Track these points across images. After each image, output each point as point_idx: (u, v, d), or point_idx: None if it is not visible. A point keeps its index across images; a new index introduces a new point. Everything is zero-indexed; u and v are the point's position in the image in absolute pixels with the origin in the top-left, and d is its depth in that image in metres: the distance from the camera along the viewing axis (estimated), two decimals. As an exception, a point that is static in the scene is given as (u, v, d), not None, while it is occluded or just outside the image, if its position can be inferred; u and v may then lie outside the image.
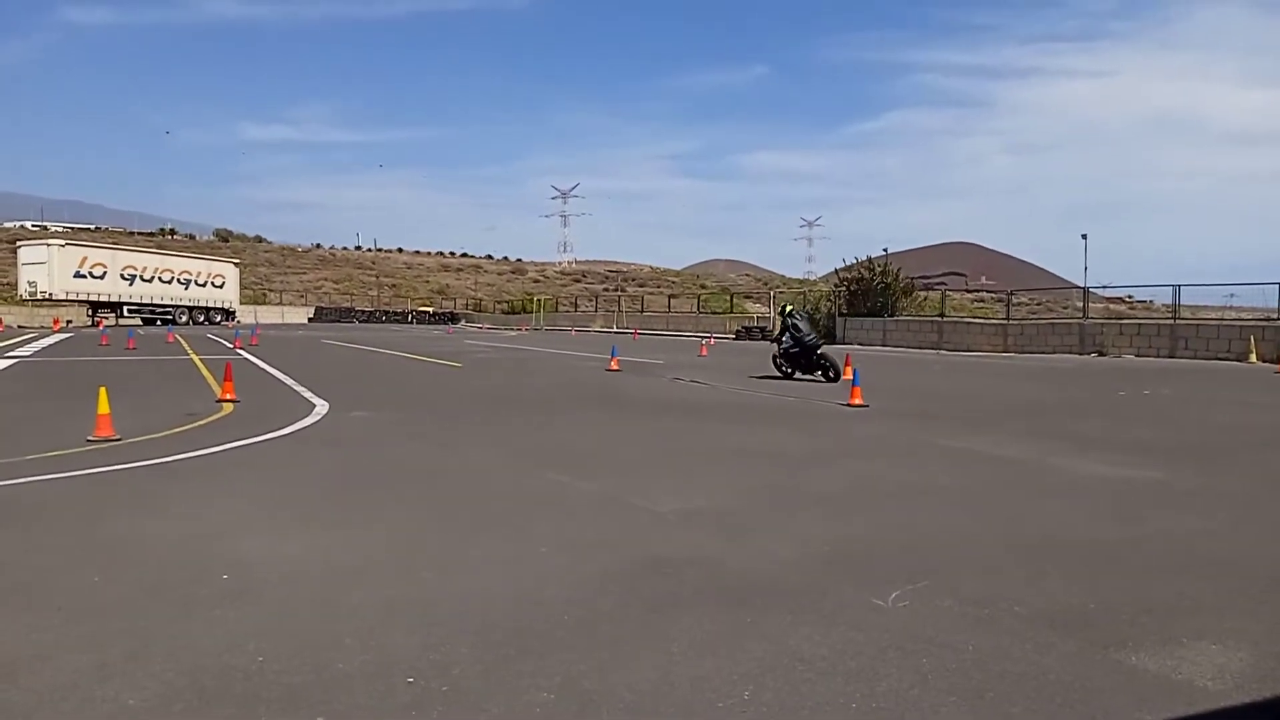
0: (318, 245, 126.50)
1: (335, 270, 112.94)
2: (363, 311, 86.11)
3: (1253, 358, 26.08)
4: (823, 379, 17.39)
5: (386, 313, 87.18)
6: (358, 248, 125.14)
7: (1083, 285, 37.29)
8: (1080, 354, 30.38)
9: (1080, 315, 34.31)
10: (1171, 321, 30.11)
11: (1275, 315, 27.63)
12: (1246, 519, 6.50)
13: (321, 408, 12.45)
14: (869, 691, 3.39)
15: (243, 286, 71.62)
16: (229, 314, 64.24)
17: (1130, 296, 66.06)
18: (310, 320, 79.95)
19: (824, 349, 18.11)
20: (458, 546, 5.49)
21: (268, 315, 76.62)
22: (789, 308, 19.13)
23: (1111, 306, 55.72)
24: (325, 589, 4.58)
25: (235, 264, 69.53)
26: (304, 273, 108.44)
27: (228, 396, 12.90)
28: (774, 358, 18.57)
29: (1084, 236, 40.45)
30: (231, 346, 29.49)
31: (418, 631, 3.96)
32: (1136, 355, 29.32)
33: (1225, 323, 30.10)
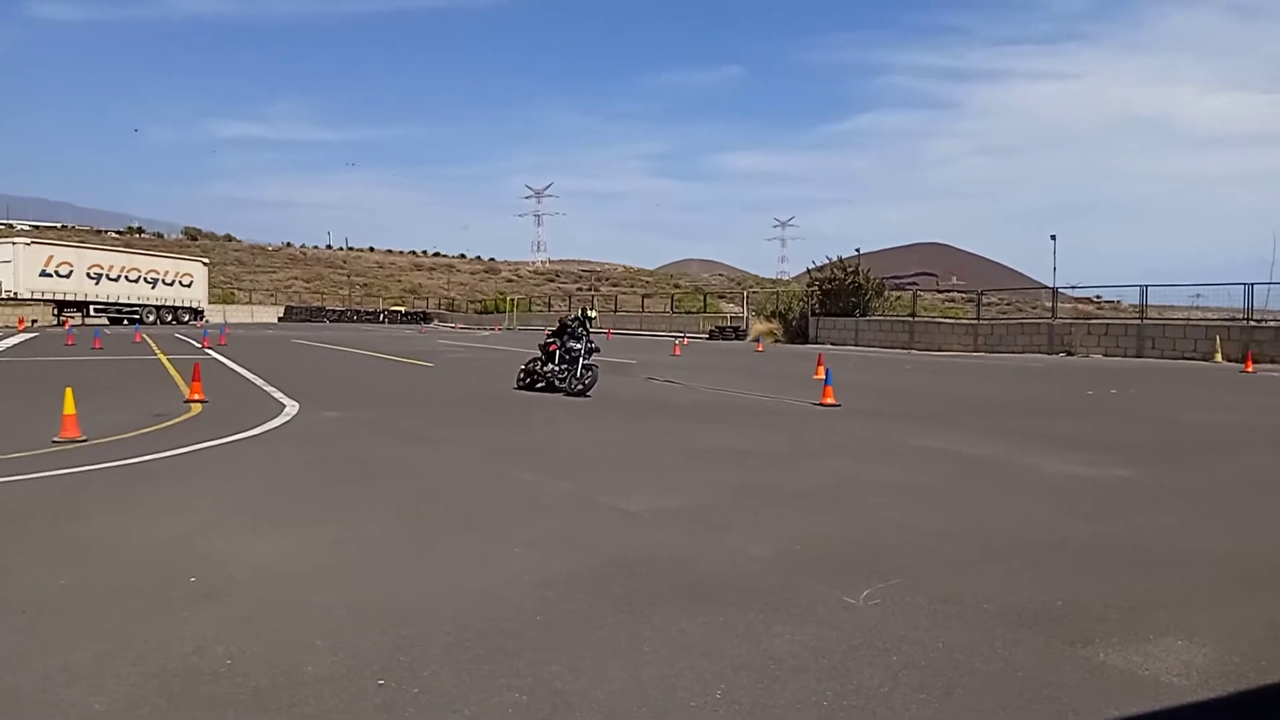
0: (288, 244, 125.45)
1: (306, 269, 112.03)
2: (334, 311, 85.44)
3: (1218, 357, 26.45)
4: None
5: (358, 312, 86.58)
6: (329, 246, 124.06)
7: (1052, 286, 37.74)
8: (1049, 354, 30.68)
9: (1049, 315, 34.66)
10: (1139, 321, 30.47)
11: (1240, 315, 28.03)
12: (1212, 517, 6.60)
13: (291, 408, 12.35)
14: (840, 689, 3.41)
15: (211, 285, 70.87)
16: (197, 313, 63.51)
17: (1098, 297, 66.72)
18: (280, 320, 79.22)
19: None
20: (429, 547, 5.46)
21: (237, 314, 75.84)
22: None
23: (1080, 307, 56.27)
24: (295, 590, 4.55)
25: (204, 263, 68.77)
26: (274, 272, 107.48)
27: (196, 397, 12.77)
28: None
29: (1053, 237, 40.98)
30: (200, 346, 29.18)
31: (388, 633, 3.94)
32: (1104, 355, 29.65)
33: (1191, 323, 30.47)
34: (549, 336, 15.57)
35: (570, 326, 15.23)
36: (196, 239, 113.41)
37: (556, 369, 14.97)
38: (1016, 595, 4.57)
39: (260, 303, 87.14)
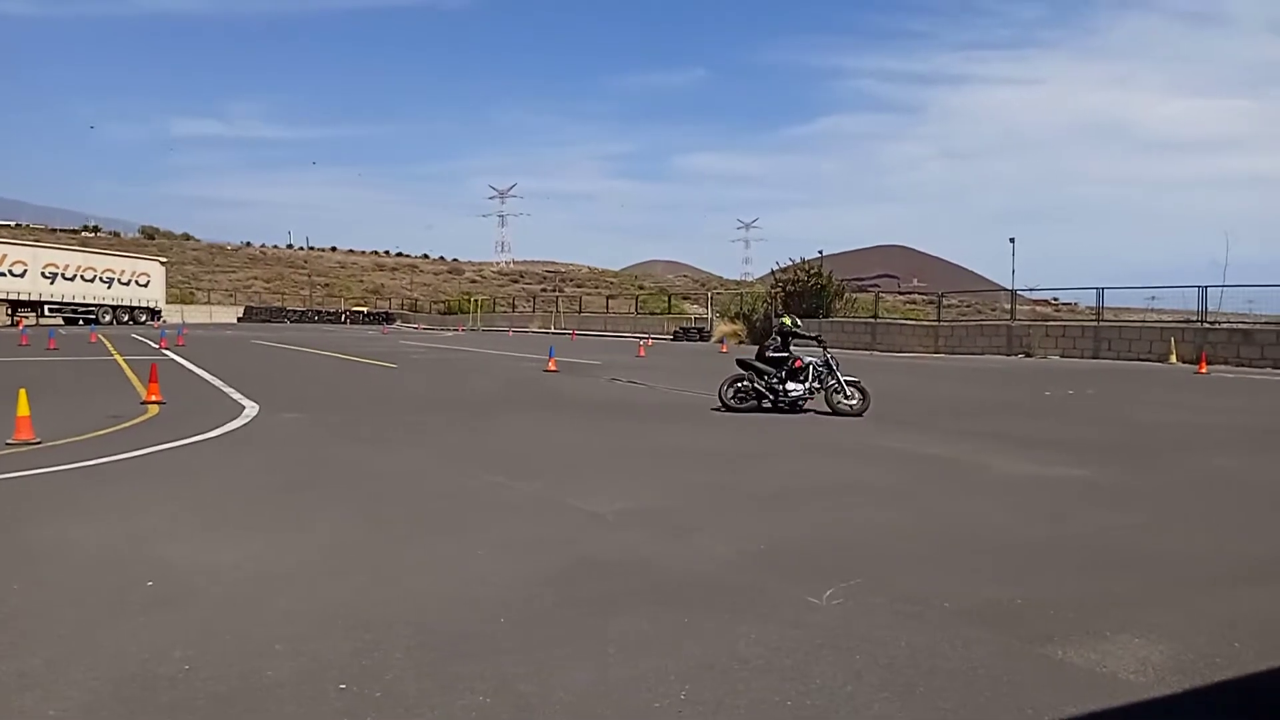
0: (248, 243, 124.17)
1: (266, 269, 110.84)
2: (294, 311, 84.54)
3: (1173, 358, 26.92)
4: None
5: (319, 313, 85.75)
6: (289, 246, 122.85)
7: (1011, 288, 38.11)
8: (1008, 355, 31.08)
9: (1008, 317, 35.10)
10: (1095, 323, 30.92)
11: (1195, 317, 28.53)
12: (1168, 516, 6.71)
13: (251, 409, 12.20)
14: (804, 689, 3.43)
15: (169, 285, 69.79)
16: (154, 313, 62.54)
17: (1056, 299, 67.75)
18: (239, 320, 78.29)
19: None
20: (392, 549, 5.42)
21: (195, 315, 74.89)
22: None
23: (1038, 309, 57.10)
24: (254, 594, 4.49)
25: (161, 262, 67.69)
26: (233, 271, 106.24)
27: (153, 398, 12.58)
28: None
29: (1012, 240, 41.35)
30: (157, 347, 28.75)
31: (350, 637, 3.90)
32: (1062, 356, 30.07)
33: (1147, 325, 30.97)
34: (773, 350, 13.23)
35: (788, 331, 13.29)
36: (154, 238, 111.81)
37: (802, 385, 12.90)
38: (977, 594, 4.62)
39: (219, 303, 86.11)
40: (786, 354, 13.19)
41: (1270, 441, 10.87)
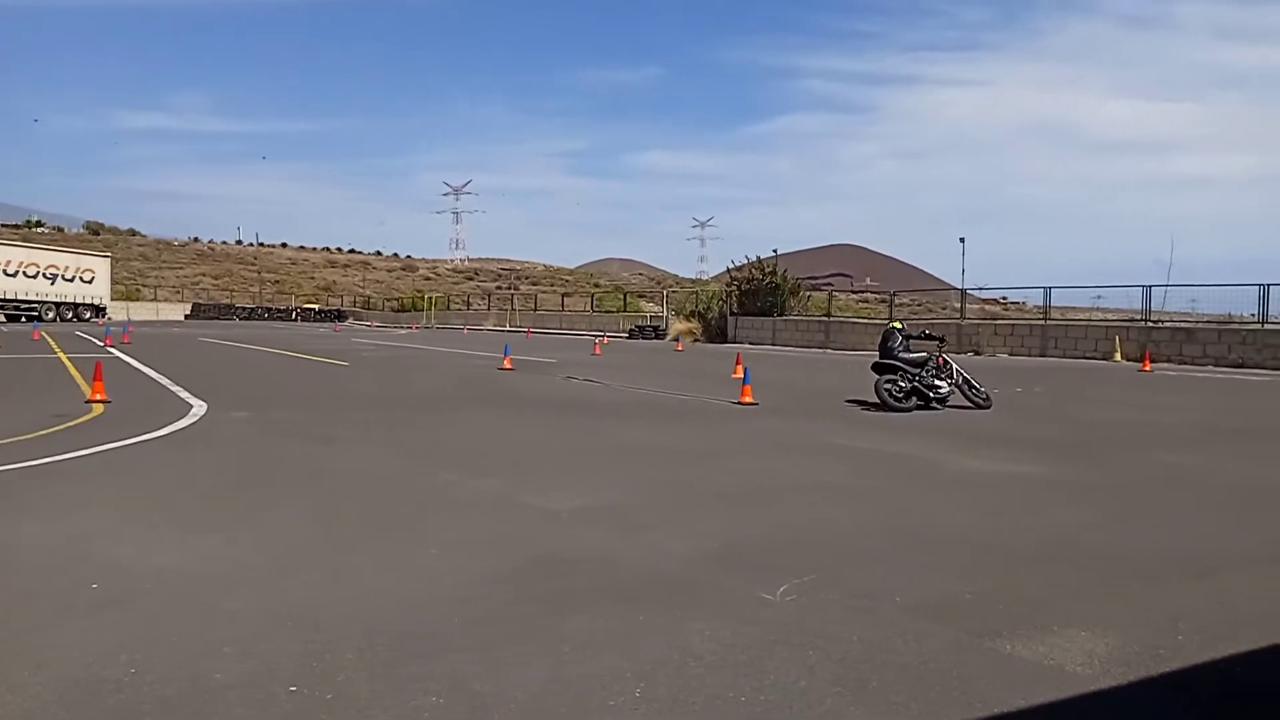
0: (195, 239, 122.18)
1: (214, 265, 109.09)
2: (243, 308, 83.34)
3: (1118, 356, 27.49)
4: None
5: (269, 310, 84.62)
6: (239, 242, 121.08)
7: (960, 287, 38.72)
8: (958, 353, 31.41)
9: (958, 315, 35.65)
10: (1043, 322, 31.48)
11: (1139, 316, 29.15)
12: (1115, 511, 6.84)
13: (199, 408, 12.00)
14: (758, 684, 3.45)
15: (114, 282, 68.49)
16: (99, 310, 61.28)
17: (1005, 298, 68.64)
18: (187, 317, 77.05)
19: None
20: (344, 549, 5.36)
21: (141, 312, 73.47)
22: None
23: (987, 307, 57.86)
24: (202, 596, 4.41)
25: (106, 258, 66.38)
26: (181, 268, 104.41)
27: (98, 397, 12.32)
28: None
29: (962, 240, 42.24)
30: (102, 344, 28.13)
31: (300, 638, 3.85)
32: (1010, 354, 30.56)
33: (1092, 323, 31.61)
34: (904, 350, 13.65)
35: (908, 334, 14.13)
36: (99, 233, 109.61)
37: (948, 383, 13.55)
38: (929, 589, 4.68)
39: (166, 300, 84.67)
40: (923, 353, 13.75)
41: (1213, 438, 11.14)
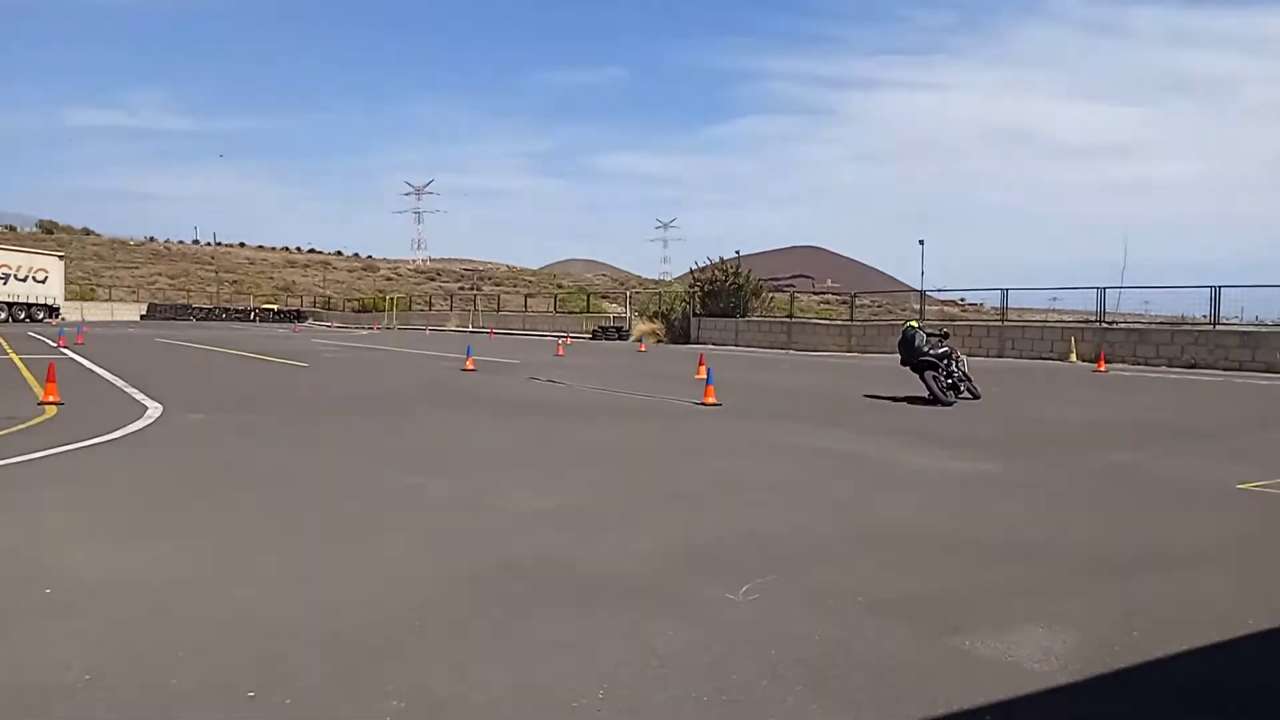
0: (151, 238, 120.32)
1: (171, 265, 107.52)
2: (200, 309, 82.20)
3: (1073, 357, 27.91)
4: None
5: (227, 310, 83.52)
6: (196, 241, 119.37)
7: (920, 289, 39.09)
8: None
9: (917, 317, 35.98)
10: (1000, 323, 31.86)
11: (1094, 317, 29.61)
12: (1071, 508, 6.95)
13: (154, 410, 11.80)
14: (721, 684, 3.46)
15: (68, 282, 67.32)
16: (53, 311, 60.13)
17: (963, 299, 69.50)
18: (143, 318, 75.79)
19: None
20: (304, 552, 5.30)
21: (96, 313, 72.16)
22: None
23: (946, 309, 58.60)
24: (159, 601, 4.34)
25: (59, 257, 65.18)
26: (136, 267, 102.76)
27: (51, 399, 12.08)
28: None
29: (921, 242, 42.62)
30: (55, 345, 27.59)
31: (259, 643, 3.80)
32: (968, 355, 30.72)
33: (1049, 324, 32.03)
34: (931, 348, 14.71)
35: (929, 332, 15.42)
36: (53, 232, 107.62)
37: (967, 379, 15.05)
38: (888, 587, 4.72)
39: (121, 300, 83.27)
40: (945, 348, 14.88)
41: (1165, 436, 11.34)
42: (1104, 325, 29.01)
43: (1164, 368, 25.61)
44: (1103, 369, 24.46)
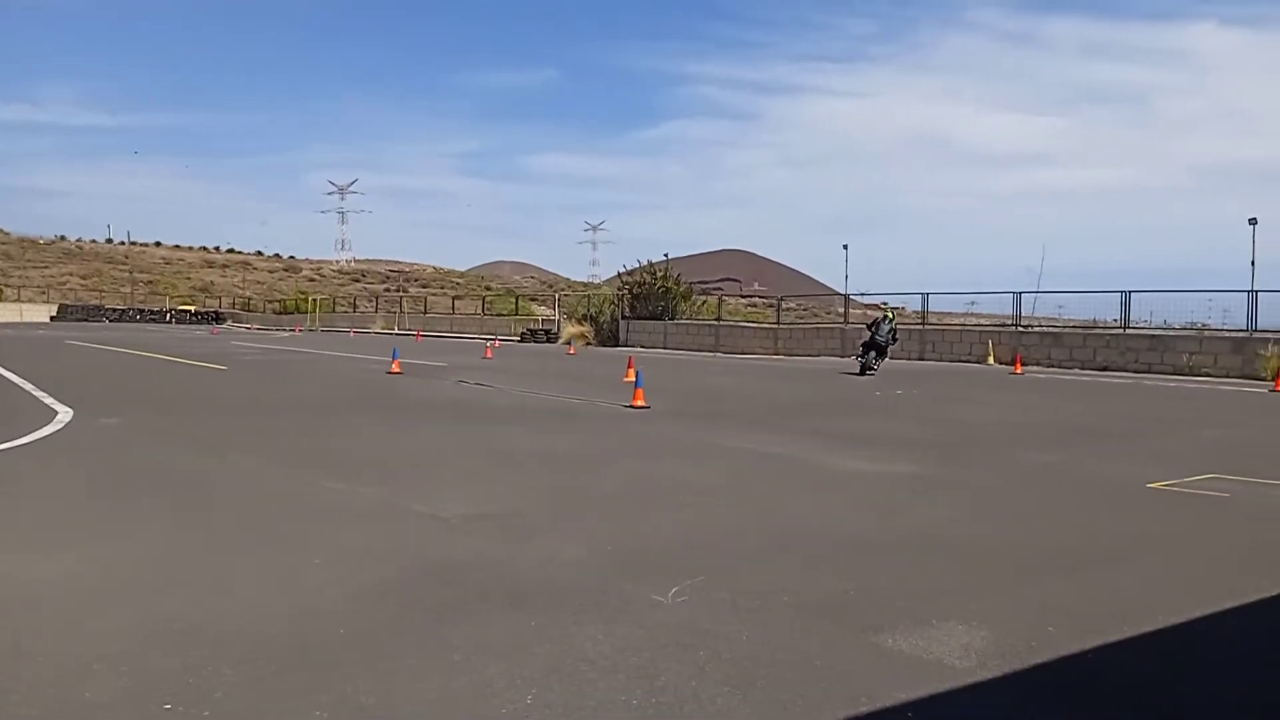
0: (62, 237, 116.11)
1: (83, 265, 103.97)
2: (114, 310, 79.67)
3: (991, 360, 28.67)
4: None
5: (142, 311, 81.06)
6: (109, 240, 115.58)
7: (844, 292, 39.66)
8: (842, 356, 32.28)
9: (842, 320, 36.60)
10: (921, 326, 32.58)
11: (1010, 321, 30.46)
12: (989, 508, 7.14)
13: (65, 414, 11.41)
14: (650, 687, 3.47)
15: (-28, 281, 64.65)
16: (-45, 311, 57.71)
17: (885, 303, 70.73)
18: (54, 319, 73.20)
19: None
20: (223, 560, 5.17)
21: (4, 314, 69.44)
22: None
23: (870, 313, 59.38)
24: (71, 611, 4.20)
25: (-38, 256, 62.57)
26: (46, 267, 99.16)
27: (-48, 403, 11.60)
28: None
29: (845, 247, 42.89)
30: (-43, 347, 26.48)
31: (177, 653, 3.70)
32: (890, 358, 31.51)
33: (967, 328, 32.87)
34: (883, 332, 22.50)
35: (879, 325, 22.56)
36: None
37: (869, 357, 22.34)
38: (813, 587, 4.79)
39: (30, 300, 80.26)
40: (893, 343, 23.05)
41: (1078, 437, 11.71)
42: (1020, 329, 29.85)
43: (1077, 370, 26.46)
44: (1019, 371, 25.16)
